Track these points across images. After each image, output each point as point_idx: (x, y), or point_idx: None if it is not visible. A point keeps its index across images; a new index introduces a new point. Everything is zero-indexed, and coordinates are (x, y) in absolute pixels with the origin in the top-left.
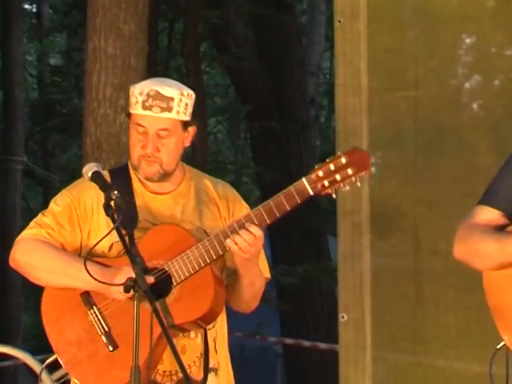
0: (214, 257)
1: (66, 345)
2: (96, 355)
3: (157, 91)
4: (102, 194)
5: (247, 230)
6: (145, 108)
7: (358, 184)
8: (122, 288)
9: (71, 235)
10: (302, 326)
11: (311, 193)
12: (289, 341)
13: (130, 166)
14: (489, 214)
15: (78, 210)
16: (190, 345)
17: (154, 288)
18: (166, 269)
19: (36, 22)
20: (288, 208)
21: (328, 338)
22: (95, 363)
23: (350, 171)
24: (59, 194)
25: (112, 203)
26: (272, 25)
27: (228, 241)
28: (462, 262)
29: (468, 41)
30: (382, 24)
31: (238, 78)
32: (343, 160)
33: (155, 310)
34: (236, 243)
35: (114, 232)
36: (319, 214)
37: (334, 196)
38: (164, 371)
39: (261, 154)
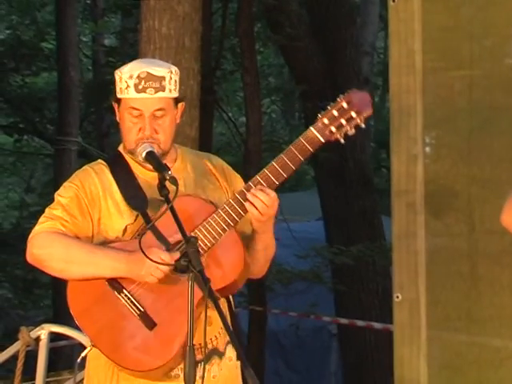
0: (237, 219)
1: (101, 332)
2: (135, 337)
3: (148, 72)
4: (104, 179)
5: (262, 190)
6: (138, 91)
7: (363, 125)
8: (155, 271)
9: (83, 224)
10: (357, 306)
11: (322, 140)
12: (343, 321)
13: (122, 152)
14: None
15: (86, 198)
16: (214, 316)
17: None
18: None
19: (91, 3)
20: (302, 159)
21: (382, 317)
22: (136, 345)
23: (353, 114)
24: (62, 188)
25: (166, 183)
26: (326, 4)
27: (247, 204)
28: (509, 229)
29: None
30: (437, 3)
31: (292, 58)
32: (344, 104)
33: (210, 292)
34: (254, 206)
35: (128, 214)
36: (373, 193)
37: (342, 141)
38: (194, 344)
39: None
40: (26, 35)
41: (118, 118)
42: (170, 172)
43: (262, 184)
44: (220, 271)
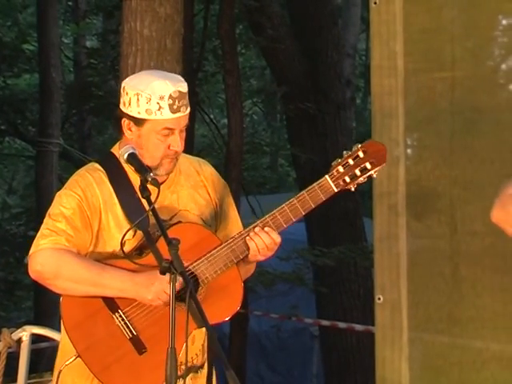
0: (241, 256)
1: (91, 349)
2: (124, 359)
3: (179, 91)
4: (104, 190)
5: (268, 234)
6: (174, 111)
7: (375, 176)
8: (162, 295)
9: (84, 237)
10: (338, 308)
11: (335, 190)
12: (325, 322)
13: (118, 159)
14: None
15: (88, 210)
16: (198, 335)
17: (182, 291)
18: (192, 270)
19: (72, 5)
20: (313, 206)
21: (364, 319)
22: (124, 367)
23: (368, 165)
24: (63, 196)
25: (148, 185)
26: (308, 6)
27: (249, 242)
28: (498, 226)
29: (505, 22)
30: (418, 5)
31: (273, 60)
32: (361, 154)
33: (191, 294)
34: (256, 244)
35: (126, 229)
36: (355, 195)
37: (353, 189)
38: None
39: (297, 136)
40: (8, 37)
41: (129, 135)
42: (151, 174)
43: (271, 226)
44: (216, 308)
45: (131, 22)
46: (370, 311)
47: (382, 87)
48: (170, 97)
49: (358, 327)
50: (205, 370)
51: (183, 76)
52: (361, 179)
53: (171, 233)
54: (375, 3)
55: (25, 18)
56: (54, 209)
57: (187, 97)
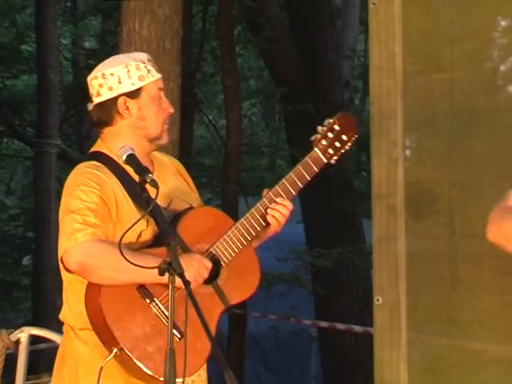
0: (254, 234)
1: (135, 340)
2: (165, 347)
3: (148, 55)
4: (113, 184)
5: (281, 204)
6: (157, 71)
7: (348, 149)
8: (199, 277)
9: (109, 229)
10: (337, 309)
11: (325, 160)
12: (323, 324)
13: (112, 158)
14: None
15: (108, 202)
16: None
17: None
18: (213, 252)
19: (71, 5)
20: (309, 178)
21: (363, 320)
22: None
23: (344, 137)
24: (80, 192)
25: (147, 186)
26: (306, 7)
27: (268, 216)
28: (495, 243)
29: (503, 23)
30: (417, 6)
31: (272, 61)
32: (336, 127)
33: (190, 294)
34: (275, 217)
35: (143, 219)
36: (353, 196)
37: (333, 162)
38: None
39: (295, 137)
40: (6, 38)
41: (128, 115)
42: (150, 175)
43: (281, 195)
44: (239, 286)
45: (130, 23)
46: (368, 312)
47: (381, 88)
48: (149, 60)
49: (357, 328)
50: (204, 372)
51: (182, 77)
52: (342, 151)
53: (188, 218)
54: (374, 4)
55: (23, 19)
56: (75, 205)
57: None
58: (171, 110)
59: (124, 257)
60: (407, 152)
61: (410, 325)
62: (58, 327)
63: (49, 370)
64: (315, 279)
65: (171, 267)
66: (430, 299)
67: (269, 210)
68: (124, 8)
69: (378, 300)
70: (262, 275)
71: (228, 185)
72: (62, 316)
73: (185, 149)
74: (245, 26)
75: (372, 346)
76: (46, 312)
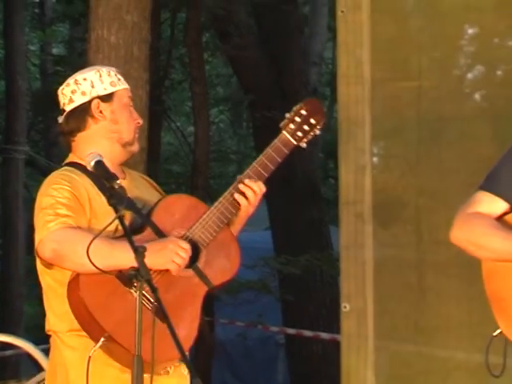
0: (230, 216)
1: (119, 325)
2: (150, 330)
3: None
4: (86, 183)
5: (252, 184)
6: (124, 83)
7: (318, 132)
8: (176, 257)
9: (82, 222)
10: (304, 316)
11: (294, 142)
12: (291, 331)
13: (85, 166)
14: (490, 202)
15: (80, 198)
16: None
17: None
18: (190, 236)
19: (39, 12)
20: (279, 160)
21: (330, 327)
22: (151, 337)
23: (312, 121)
24: (50, 190)
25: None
26: (274, 15)
27: (237, 195)
28: (459, 246)
29: (471, 31)
30: (385, 14)
31: (240, 68)
32: (303, 112)
33: (158, 300)
34: (246, 195)
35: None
36: (321, 203)
37: (303, 145)
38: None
39: (263, 144)
40: None
41: (102, 118)
42: (118, 181)
43: (252, 177)
44: (220, 267)
45: (98, 30)
46: (335, 319)
47: (349, 96)
48: (117, 72)
49: (324, 335)
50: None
51: (150, 84)
52: (311, 133)
53: (161, 206)
54: (342, 12)
55: None
56: (47, 202)
57: None
58: (140, 122)
59: (91, 242)
60: (375, 159)
61: (378, 332)
62: (24, 334)
63: (16, 376)
64: (283, 286)
65: (139, 274)
66: (398, 306)
67: (240, 186)
68: (92, 14)
69: (345, 307)
70: (229, 282)
71: (196, 192)
72: (47, 326)
73: (152, 156)
74: (213, 33)
75: (339, 353)
76: (13, 318)
